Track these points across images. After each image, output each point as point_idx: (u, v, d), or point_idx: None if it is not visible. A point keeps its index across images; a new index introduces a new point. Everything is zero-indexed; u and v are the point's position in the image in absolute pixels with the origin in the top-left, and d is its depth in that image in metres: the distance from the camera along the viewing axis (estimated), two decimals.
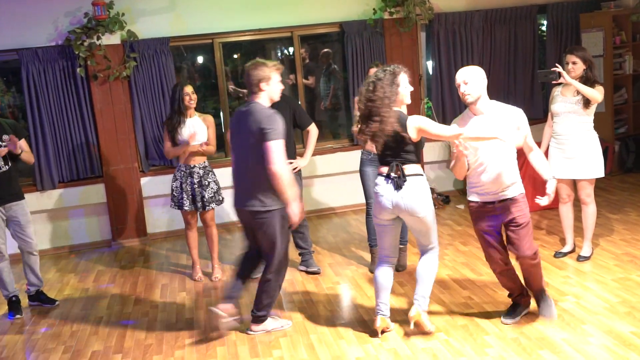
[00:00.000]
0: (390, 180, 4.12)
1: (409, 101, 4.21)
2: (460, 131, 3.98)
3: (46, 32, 6.81)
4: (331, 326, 4.61)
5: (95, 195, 7.13)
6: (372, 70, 5.52)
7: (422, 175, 4.17)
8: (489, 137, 3.99)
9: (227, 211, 7.44)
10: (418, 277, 4.31)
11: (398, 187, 4.07)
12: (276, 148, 4.17)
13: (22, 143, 5.30)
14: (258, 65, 4.34)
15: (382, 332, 4.35)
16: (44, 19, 6.78)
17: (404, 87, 4.14)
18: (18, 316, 5.30)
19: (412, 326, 4.30)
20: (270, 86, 4.35)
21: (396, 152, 4.12)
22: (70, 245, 7.18)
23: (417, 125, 4.07)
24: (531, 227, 4.21)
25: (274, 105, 5.48)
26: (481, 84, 4.08)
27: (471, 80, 4.05)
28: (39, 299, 5.50)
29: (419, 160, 4.20)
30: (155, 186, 7.21)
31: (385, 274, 4.35)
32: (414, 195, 4.08)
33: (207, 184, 5.63)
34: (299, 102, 7.28)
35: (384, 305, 4.36)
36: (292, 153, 5.56)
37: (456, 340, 4.22)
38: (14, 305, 5.35)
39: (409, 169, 4.11)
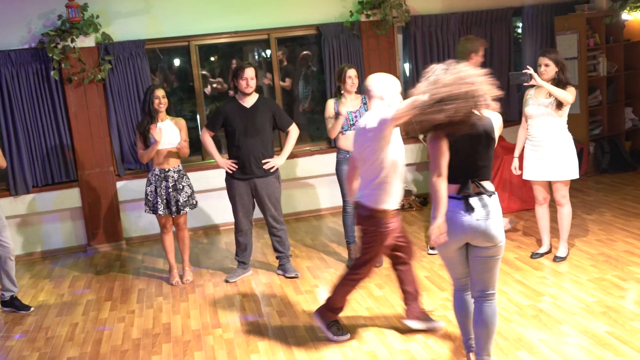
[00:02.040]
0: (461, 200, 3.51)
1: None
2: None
3: (19, 35, 6.70)
4: (309, 329, 4.59)
5: (70, 199, 7.04)
6: (352, 71, 5.54)
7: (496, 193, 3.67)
8: None
9: (206, 214, 7.39)
10: (485, 330, 3.61)
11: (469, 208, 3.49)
12: None
13: None
14: (471, 39, 5.54)
15: None
16: (17, 21, 6.68)
17: None
18: None
19: None
20: (478, 57, 5.41)
21: (478, 162, 3.60)
22: (45, 250, 7.08)
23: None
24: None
25: (254, 106, 5.51)
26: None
27: None
28: (13, 304, 5.41)
29: None
30: (131, 190, 7.14)
31: (466, 303, 3.76)
32: (496, 216, 3.54)
33: (181, 187, 5.59)
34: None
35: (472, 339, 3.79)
36: (270, 153, 5.57)
37: (435, 342, 4.23)
38: None
39: (489, 184, 3.63)
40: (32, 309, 5.45)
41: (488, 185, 3.51)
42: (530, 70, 5.03)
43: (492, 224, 3.42)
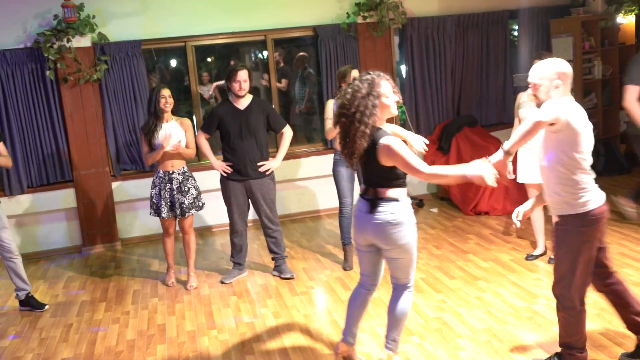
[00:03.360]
0: (365, 201, 3.61)
1: (395, 112, 3.67)
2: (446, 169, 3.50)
3: (14, 34, 6.69)
4: (305, 331, 4.59)
5: (65, 200, 7.03)
6: (354, 73, 5.51)
7: (399, 200, 3.54)
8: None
9: (201, 215, 7.38)
10: (392, 317, 3.77)
11: (372, 209, 3.55)
12: None
13: (0, 147, 5.22)
14: None
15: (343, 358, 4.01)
16: (13, 20, 6.67)
17: (386, 97, 3.52)
18: None
19: None
20: None
21: (373, 173, 3.57)
22: (40, 251, 7.06)
23: (386, 153, 3.44)
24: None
25: (248, 108, 5.48)
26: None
27: None
28: (29, 303, 5.39)
29: (403, 184, 3.59)
30: (126, 191, 7.12)
31: (360, 298, 3.88)
32: (387, 221, 3.52)
33: (186, 189, 5.54)
34: (273, 106, 7.26)
35: (352, 334, 3.94)
36: (265, 155, 5.57)
37: (430, 343, 4.23)
38: None
39: (388, 192, 3.54)
40: (47, 306, 5.46)
41: (390, 192, 3.54)
42: None
43: (382, 228, 3.54)
